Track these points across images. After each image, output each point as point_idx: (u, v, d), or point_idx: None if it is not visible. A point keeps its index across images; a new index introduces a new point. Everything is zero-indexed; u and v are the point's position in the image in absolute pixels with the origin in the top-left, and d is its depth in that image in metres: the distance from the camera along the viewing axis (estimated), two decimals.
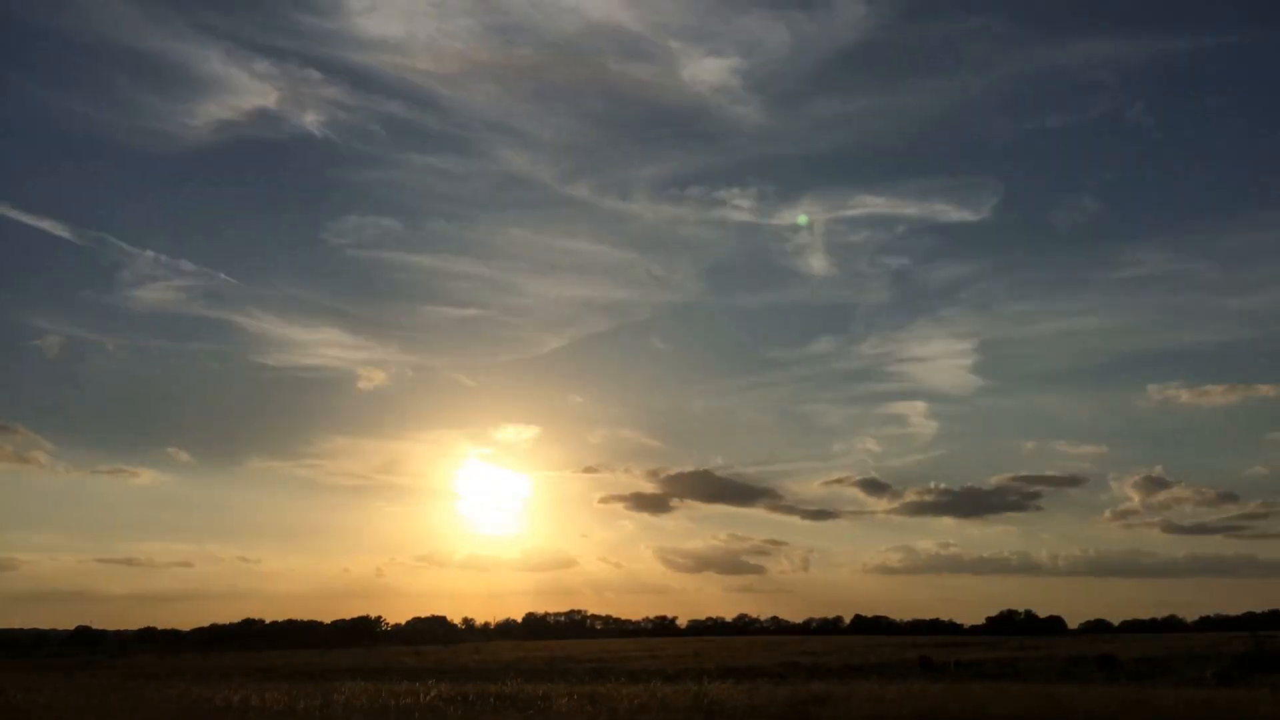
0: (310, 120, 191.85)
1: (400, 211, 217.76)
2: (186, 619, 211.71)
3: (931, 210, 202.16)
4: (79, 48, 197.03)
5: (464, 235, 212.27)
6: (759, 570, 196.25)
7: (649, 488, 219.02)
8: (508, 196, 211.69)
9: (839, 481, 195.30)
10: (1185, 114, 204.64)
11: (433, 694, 28.46)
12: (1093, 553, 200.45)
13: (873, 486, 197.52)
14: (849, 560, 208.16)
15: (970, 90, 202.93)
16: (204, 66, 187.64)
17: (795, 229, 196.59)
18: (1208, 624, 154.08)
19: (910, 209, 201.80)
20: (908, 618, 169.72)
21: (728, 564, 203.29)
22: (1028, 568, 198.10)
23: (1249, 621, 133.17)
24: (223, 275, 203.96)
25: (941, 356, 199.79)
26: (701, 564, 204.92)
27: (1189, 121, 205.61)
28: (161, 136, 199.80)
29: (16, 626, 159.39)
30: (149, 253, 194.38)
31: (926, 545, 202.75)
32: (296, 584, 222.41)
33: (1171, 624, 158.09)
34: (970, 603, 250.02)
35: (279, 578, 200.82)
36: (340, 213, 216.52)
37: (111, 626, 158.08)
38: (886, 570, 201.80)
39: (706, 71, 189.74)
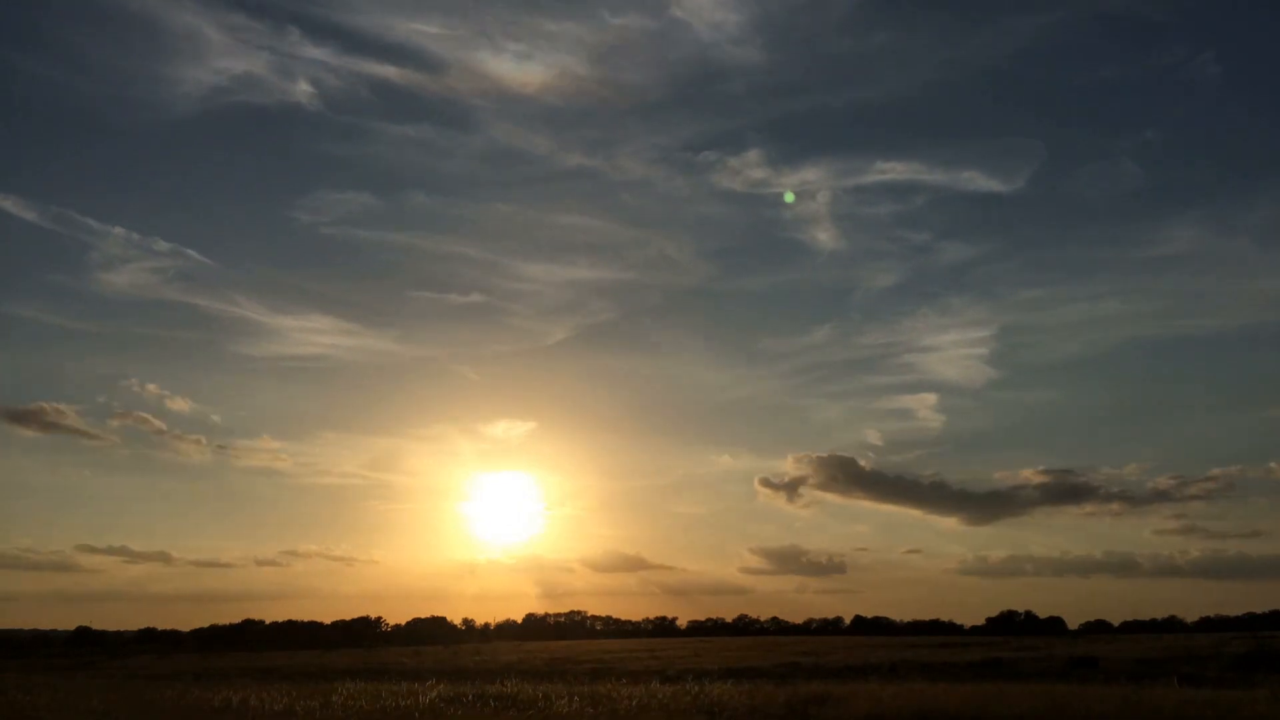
0: (291, 86, 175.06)
1: (385, 186, 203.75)
2: (188, 619, 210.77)
3: (958, 178, 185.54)
4: (34, 3, 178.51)
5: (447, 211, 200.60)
6: (840, 570, 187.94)
7: (792, 472, 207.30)
8: (502, 170, 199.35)
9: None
10: (1258, 59, 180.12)
11: (433, 695, 28.45)
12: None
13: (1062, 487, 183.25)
14: (945, 561, 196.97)
15: (1015, 35, 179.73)
16: (174, 22, 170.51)
17: (804, 197, 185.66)
18: (1208, 624, 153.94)
19: (935, 176, 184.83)
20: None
21: (808, 565, 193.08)
22: (1125, 567, 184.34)
23: (1249, 621, 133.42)
24: (193, 253, 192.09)
25: (952, 346, 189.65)
26: (783, 564, 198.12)
27: (1262, 68, 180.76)
28: (129, 103, 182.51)
29: (16, 627, 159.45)
30: (118, 230, 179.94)
31: (1037, 547, 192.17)
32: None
33: (1171, 624, 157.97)
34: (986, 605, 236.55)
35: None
36: (319, 187, 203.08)
37: (111, 627, 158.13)
38: (975, 572, 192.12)
39: (712, 18, 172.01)
